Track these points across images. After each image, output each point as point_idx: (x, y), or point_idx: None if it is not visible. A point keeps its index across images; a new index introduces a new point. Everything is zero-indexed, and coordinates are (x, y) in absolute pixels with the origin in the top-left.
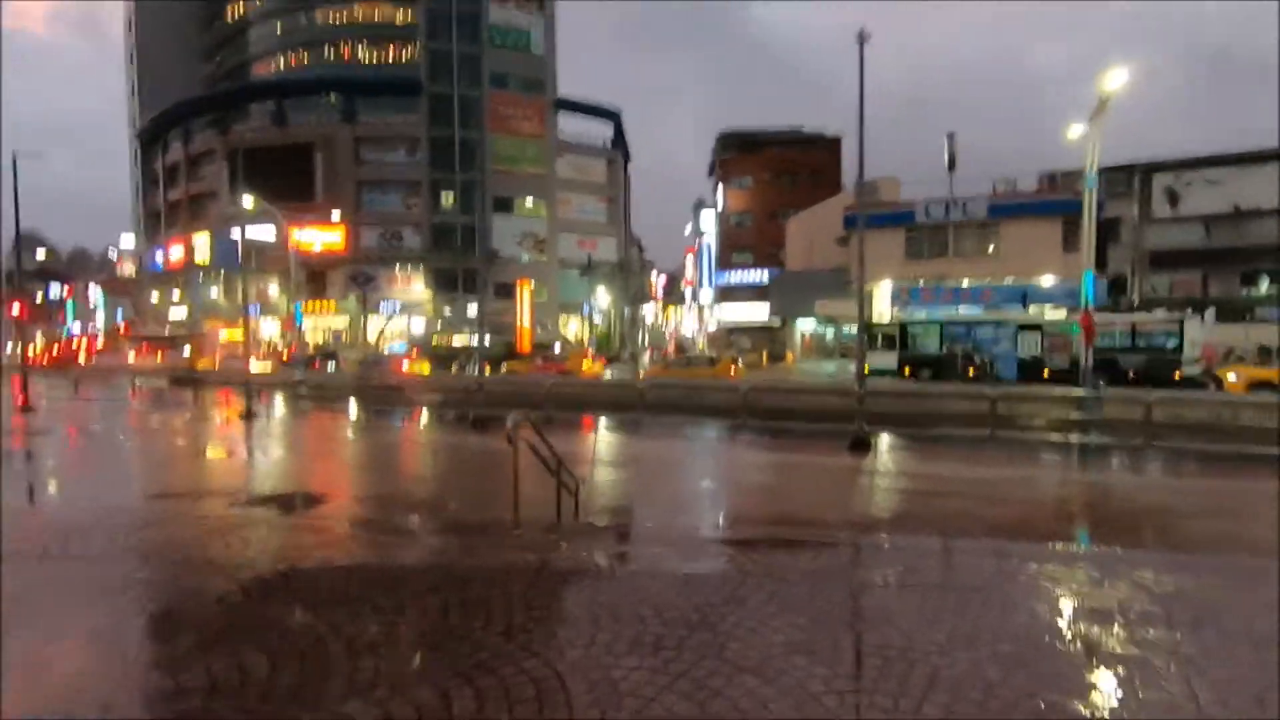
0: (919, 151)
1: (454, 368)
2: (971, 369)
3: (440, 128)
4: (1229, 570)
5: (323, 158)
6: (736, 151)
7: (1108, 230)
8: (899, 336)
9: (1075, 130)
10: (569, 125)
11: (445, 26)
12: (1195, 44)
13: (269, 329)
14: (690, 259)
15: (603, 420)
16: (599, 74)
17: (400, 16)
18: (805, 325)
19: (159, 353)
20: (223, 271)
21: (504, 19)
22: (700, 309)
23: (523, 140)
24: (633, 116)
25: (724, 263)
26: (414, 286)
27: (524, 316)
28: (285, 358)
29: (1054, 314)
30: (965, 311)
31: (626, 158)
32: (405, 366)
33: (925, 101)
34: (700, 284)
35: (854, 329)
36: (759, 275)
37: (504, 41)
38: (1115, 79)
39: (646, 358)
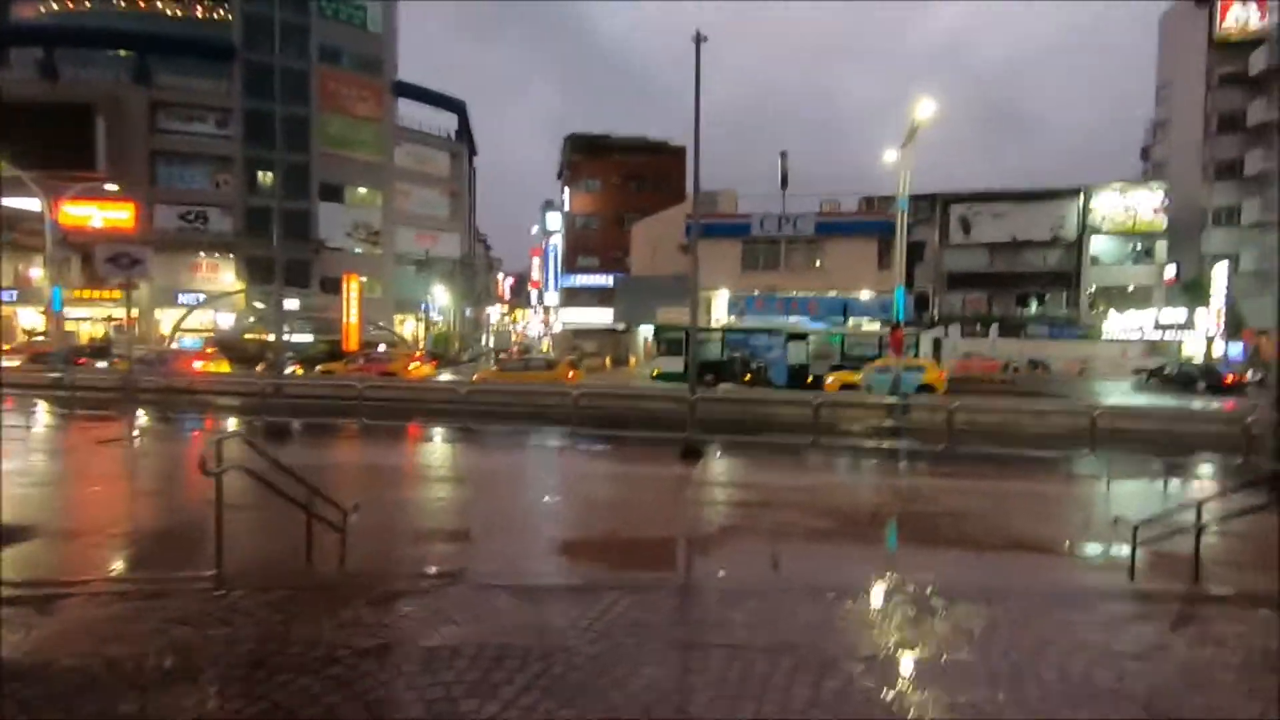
0: (759, 169)
1: (259, 368)
2: (748, 374)
3: (258, 100)
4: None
5: (107, 122)
6: (585, 154)
7: (914, 252)
8: (686, 342)
9: (889, 156)
10: (410, 114)
11: None
12: (985, 97)
13: (32, 319)
14: (537, 260)
15: (424, 428)
16: (443, 66)
17: None
18: (649, 330)
19: None
20: None
21: None
22: (546, 311)
23: (357, 122)
24: (481, 113)
25: (570, 265)
26: (222, 276)
27: (350, 313)
28: (40, 351)
29: (870, 326)
30: (795, 321)
31: (472, 151)
32: (198, 365)
33: (763, 124)
34: (546, 286)
35: (761, 337)
36: (604, 279)
37: (336, 13)
38: (924, 110)
39: (489, 360)
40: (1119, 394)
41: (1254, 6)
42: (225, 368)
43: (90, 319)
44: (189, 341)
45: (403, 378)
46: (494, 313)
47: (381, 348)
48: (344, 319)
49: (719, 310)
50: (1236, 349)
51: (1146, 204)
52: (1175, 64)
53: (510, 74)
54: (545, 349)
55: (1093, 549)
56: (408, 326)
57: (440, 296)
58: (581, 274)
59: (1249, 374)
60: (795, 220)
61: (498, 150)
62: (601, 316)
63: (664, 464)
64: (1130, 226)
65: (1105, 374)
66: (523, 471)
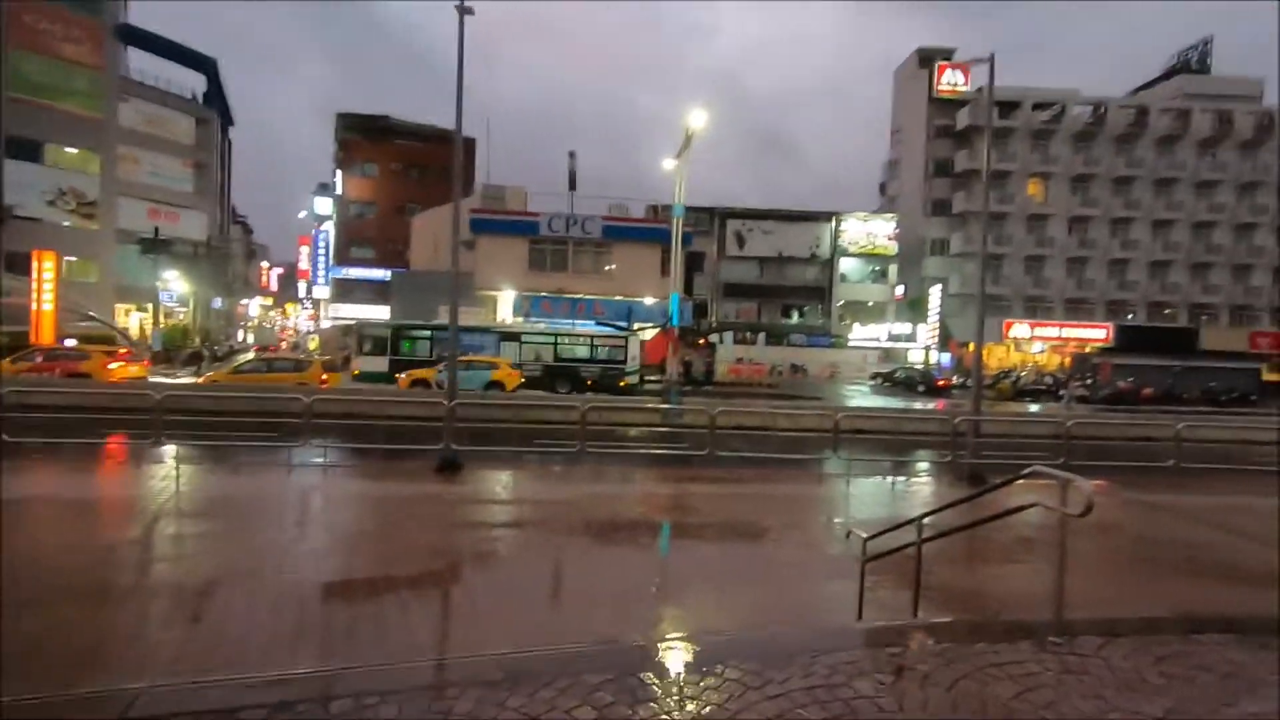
0: (554, 172)
1: None
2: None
3: None
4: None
5: None
6: (361, 135)
7: (695, 262)
8: (391, 341)
9: (668, 164)
10: (147, 68)
11: None
12: (757, 123)
13: None
14: (306, 249)
15: (115, 444)
16: (201, 28)
17: None
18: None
19: None
20: None
21: None
22: (316, 306)
23: (66, 66)
24: (248, 85)
25: (343, 257)
26: None
27: (42, 299)
28: None
29: (650, 332)
30: (581, 326)
31: (226, 120)
32: None
33: (558, 128)
34: (315, 278)
35: (475, 336)
36: (382, 273)
37: None
38: (696, 120)
39: (247, 357)
40: (859, 395)
41: (960, 73)
42: None
43: None
44: None
45: (99, 380)
46: (255, 306)
47: (70, 342)
48: (34, 305)
49: (504, 311)
50: (946, 358)
51: (882, 232)
52: (905, 113)
53: (282, 44)
54: (314, 347)
55: (825, 568)
56: (135, 318)
57: (178, 284)
58: (356, 266)
59: (954, 379)
60: (583, 222)
61: (269, 128)
62: (378, 313)
63: (418, 481)
64: (871, 250)
65: (850, 378)
66: (225, 502)
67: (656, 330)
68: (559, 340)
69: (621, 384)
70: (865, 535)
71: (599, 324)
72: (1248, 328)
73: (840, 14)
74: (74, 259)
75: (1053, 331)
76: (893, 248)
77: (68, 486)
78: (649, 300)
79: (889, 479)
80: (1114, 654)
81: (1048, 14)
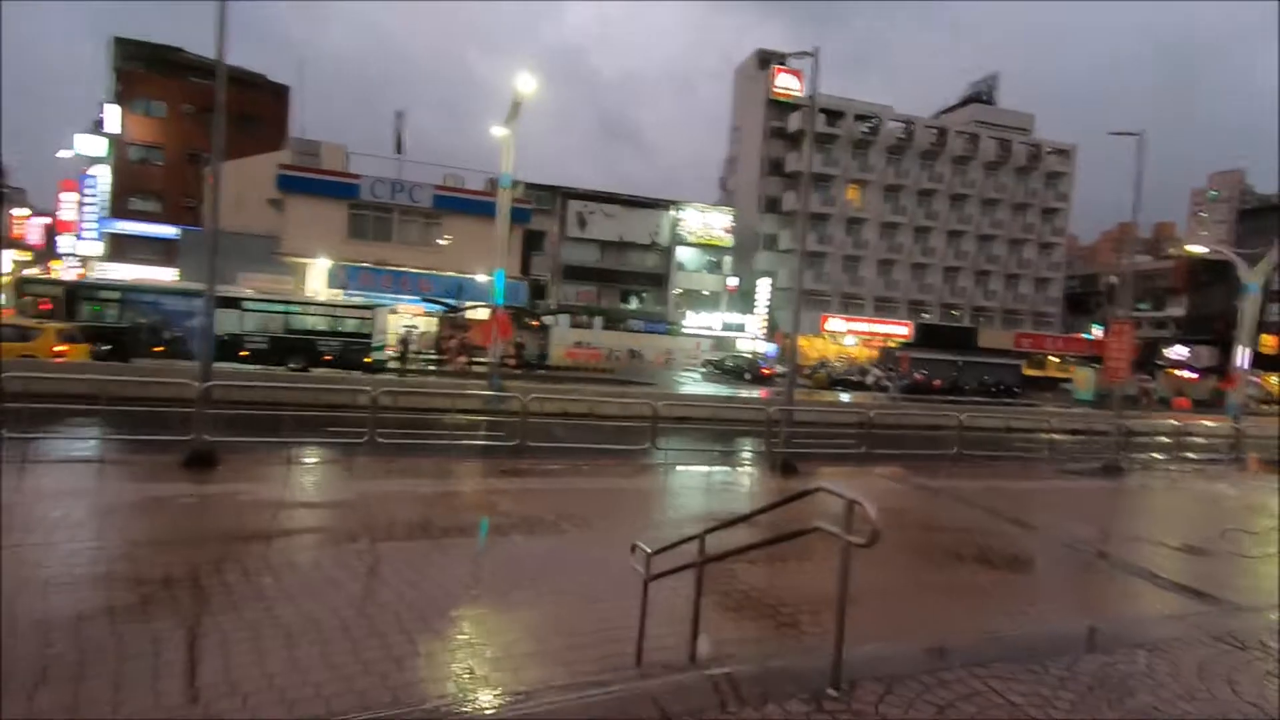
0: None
1: None
2: (159, 345)
3: None
4: None
5: None
6: (147, 67)
7: (535, 241)
8: (67, 302)
9: (497, 130)
10: None
11: None
12: (603, 105)
13: None
14: (71, 196)
15: None
16: None
17: None
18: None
19: None
20: None
21: None
22: (84, 264)
23: None
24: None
25: (120, 210)
26: None
27: None
28: None
29: (483, 312)
30: (403, 301)
31: None
32: None
33: (390, 91)
34: (81, 231)
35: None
36: (170, 230)
37: None
38: (525, 84)
39: None
40: (691, 382)
41: (794, 77)
42: None
43: None
44: None
45: None
46: (6, 261)
47: None
48: None
49: (317, 281)
50: (772, 348)
51: (719, 224)
52: (744, 112)
53: None
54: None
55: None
56: None
57: None
58: (136, 220)
59: (777, 368)
60: (411, 190)
61: (33, 49)
62: (165, 275)
63: (161, 479)
64: (708, 241)
65: (684, 364)
66: None
67: (486, 310)
68: (291, 309)
69: (367, 360)
70: (649, 550)
71: (424, 300)
72: (1014, 329)
73: (691, 9)
74: None
75: (864, 326)
76: (728, 240)
77: None
78: (482, 278)
79: (705, 469)
80: (893, 709)
81: (883, 27)
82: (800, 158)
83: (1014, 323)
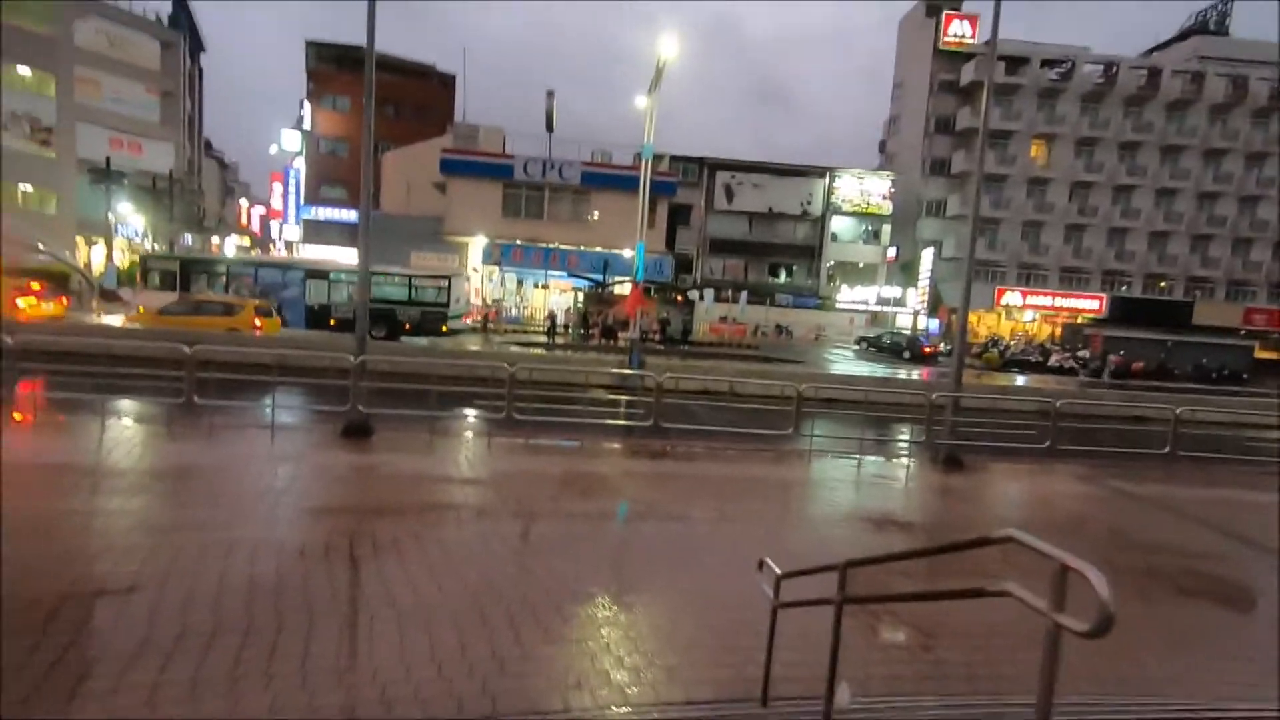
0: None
1: None
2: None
3: None
4: None
5: None
6: (335, 66)
7: (680, 215)
8: (180, 274)
9: (640, 100)
10: None
11: None
12: (753, 72)
13: None
14: (278, 187)
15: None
16: None
17: None
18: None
19: None
20: None
21: None
22: (289, 247)
23: None
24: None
25: (314, 196)
26: None
27: None
28: None
29: (627, 287)
30: (553, 277)
31: (197, 47)
32: None
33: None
34: (286, 218)
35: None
36: (352, 215)
37: None
38: (668, 48)
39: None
40: (843, 360)
41: (968, 24)
42: None
43: None
44: None
45: (16, 321)
46: (231, 246)
47: None
48: None
49: (475, 258)
50: (935, 324)
51: (877, 190)
52: (908, 66)
53: None
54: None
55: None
56: (99, 253)
57: (136, 219)
58: (327, 206)
59: (941, 346)
60: (561, 167)
61: (248, 59)
62: (349, 256)
63: (325, 448)
64: (864, 209)
65: (836, 341)
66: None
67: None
68: (374, 280)
69: (444, 328)
70: (779, 571)
71: (571, 275)
72: (1243, 303)
73: None
74: (29, 188)
75: (1046, 300)
76: (887, 207)
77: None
78: (628, 253)
79: (854, 459)
80: None
81: None
82: (974, 113)
83: (1243, 296)
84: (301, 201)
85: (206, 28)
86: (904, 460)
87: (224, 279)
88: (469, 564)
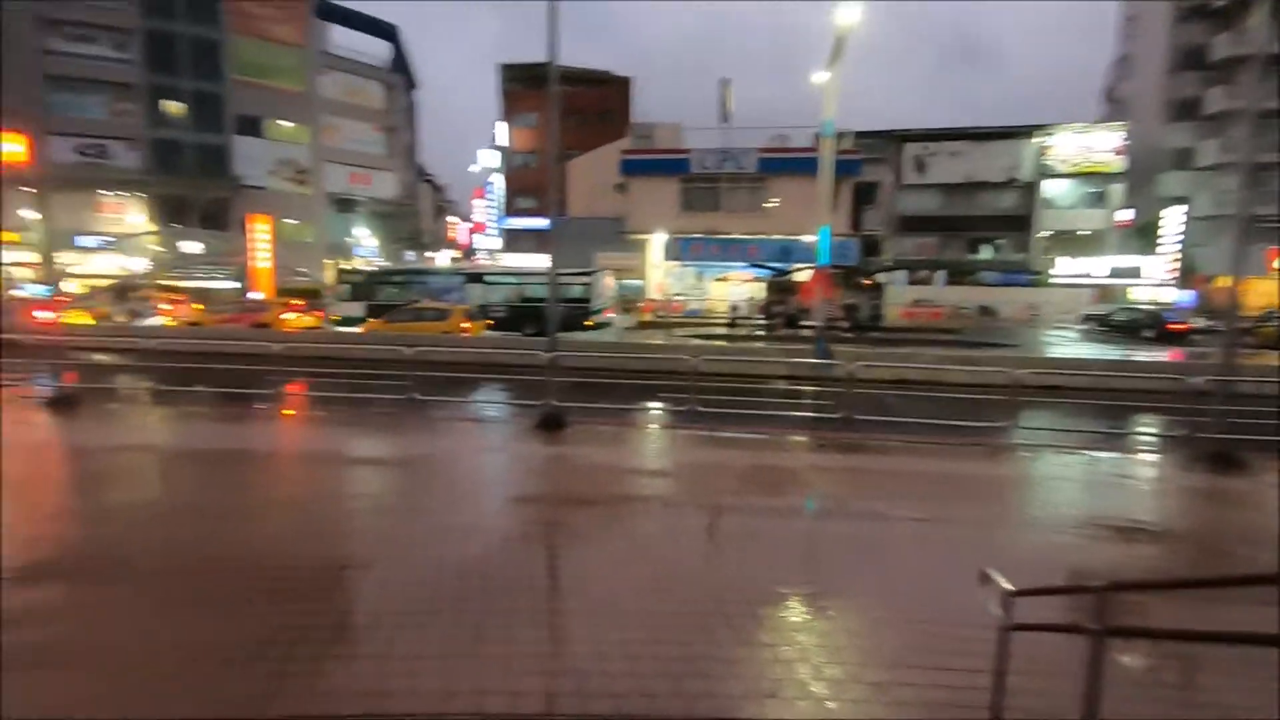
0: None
1: (121, 317)
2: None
3: (159, 20)
4: None
5: None
6: (522, 85)
7: (867, 193)
8: (366, 286)
9: (818, 76)
10: (338, 40)
11: None
12: (934, 32)
13: None
14: (480, 202)
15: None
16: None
17: None
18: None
19: None
20: None
21: None
22: (492, 256)
23: (276, 48)
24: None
25: (510, 207)
26: (130, 216)
27: (258, 256)
28: None
29: (808, 274)
30: (733, 269)
31: (410, 83)
32: (43, 315)
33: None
34: (487, 229)
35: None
36: (543, 222)
37: None
38: (847, 17)
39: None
40: (1064, 342)
41: None
42: (82, 319)
43: None
44: (39, 288)
45: (275, 329)
46: (445, 259)
47: (257, 295)
48: (249, 262)
49: (656, 254)
50: (1185, 295)
51: (1104, 145)
52: None
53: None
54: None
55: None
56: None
57: (369, 241)
58: (521, 216)
59: (1194, 321)
60: (737, 157)
61: (449, 88)
62: (540, 262)
63: (523, 440)
64: (1087, 168)
65: (1054, 320)
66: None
67: (811, 271)
68: (524, 281)
69: (588, 323)
70: (1009, 587)
71: (751, 265)
72: None
73: None
74: (294, 222)
75: None
76: (1117, 163)
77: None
78: (809, 238)
79: (1086, 455)
80: None
81: None
82: (1232, 39)
83: None
84: (501, 213)
85: (417, 62)
86: (1154, 457)
87: (402, 288)
88: (658, 557)
